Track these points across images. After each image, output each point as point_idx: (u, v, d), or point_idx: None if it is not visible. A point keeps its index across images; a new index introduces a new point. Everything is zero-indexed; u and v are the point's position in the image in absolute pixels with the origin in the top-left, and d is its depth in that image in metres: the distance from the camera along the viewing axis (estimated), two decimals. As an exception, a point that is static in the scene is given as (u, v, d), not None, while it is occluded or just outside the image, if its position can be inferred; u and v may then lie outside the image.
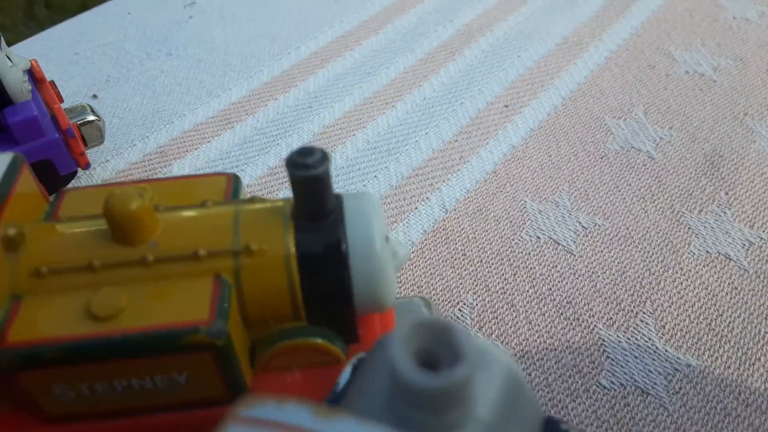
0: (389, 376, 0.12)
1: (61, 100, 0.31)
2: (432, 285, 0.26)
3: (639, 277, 0.26)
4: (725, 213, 0.29)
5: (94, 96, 0.38)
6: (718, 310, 0.25)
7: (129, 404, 0.17)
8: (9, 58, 0.28)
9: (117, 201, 0.17)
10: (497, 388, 0.13)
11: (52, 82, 0.31)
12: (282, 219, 0.18)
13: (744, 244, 0.27)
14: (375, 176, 0.32)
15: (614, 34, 0.41)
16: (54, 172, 0.30)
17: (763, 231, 0.28)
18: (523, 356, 0.24)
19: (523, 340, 0.24)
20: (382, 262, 0.17)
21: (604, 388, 0.23)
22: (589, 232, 0.28)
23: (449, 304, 0.26)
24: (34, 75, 0.31)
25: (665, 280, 0.26)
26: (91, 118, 0.31)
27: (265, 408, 0.12)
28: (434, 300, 0.26)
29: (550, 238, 0.28)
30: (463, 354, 0.12)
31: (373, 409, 0.12)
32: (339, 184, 0.32)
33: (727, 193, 0.29)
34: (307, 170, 0.16)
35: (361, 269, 0.17)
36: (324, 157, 0.16)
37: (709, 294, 0.25)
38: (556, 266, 0.27)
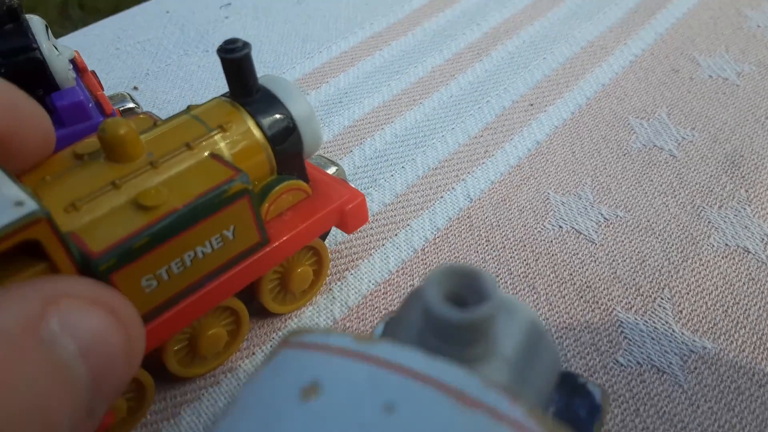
0: (421, 315, 0.13)
1: (102, 89, 0.33)
2: (456, 268, 0.27)
3: (658, 265, 0.27)
4: (745, 209, 0.29)
5: (135, 88, 0.40)
6: (735, 298, 0.25)
7: (197, 275, 0.21)
8: (56, 47, 0.30)
9: (112, 129, 0.20)
10: (519, 333, 0.14)
11: (93, 72, 0.33)
12: (227, 104, 0.23)
13: (762, 239, 0.28)
14: (402, 167, 0.33)
15: (639, 39, 0.42)
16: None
17: (782, 226, 0.28)
18: (543, 335, 0.24)
19: (544, 320, 0.25)
20: (316, 121, 0.24)
21: (621, 365, 0.23)
22: (611, 223, 0.29)
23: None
24: (76, 65, 0.32)
25: (684, 269, 0.27)
26: (131, 105, 0.33)
27: (313, 335, 0.13)
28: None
29: (572, 227, 0.29)
30: (488, 296, 0.13)
31: (406, 341, 0.13)
32: (367, 174, 0.33)
33: (747, 191, 0.30)
34: (234, 53, 0.22)
35: (305, 129, 0.24)
36: (245, 45, 0.22)
37: (726, 283, 0.26)
38: (578, 254, 0.28)
